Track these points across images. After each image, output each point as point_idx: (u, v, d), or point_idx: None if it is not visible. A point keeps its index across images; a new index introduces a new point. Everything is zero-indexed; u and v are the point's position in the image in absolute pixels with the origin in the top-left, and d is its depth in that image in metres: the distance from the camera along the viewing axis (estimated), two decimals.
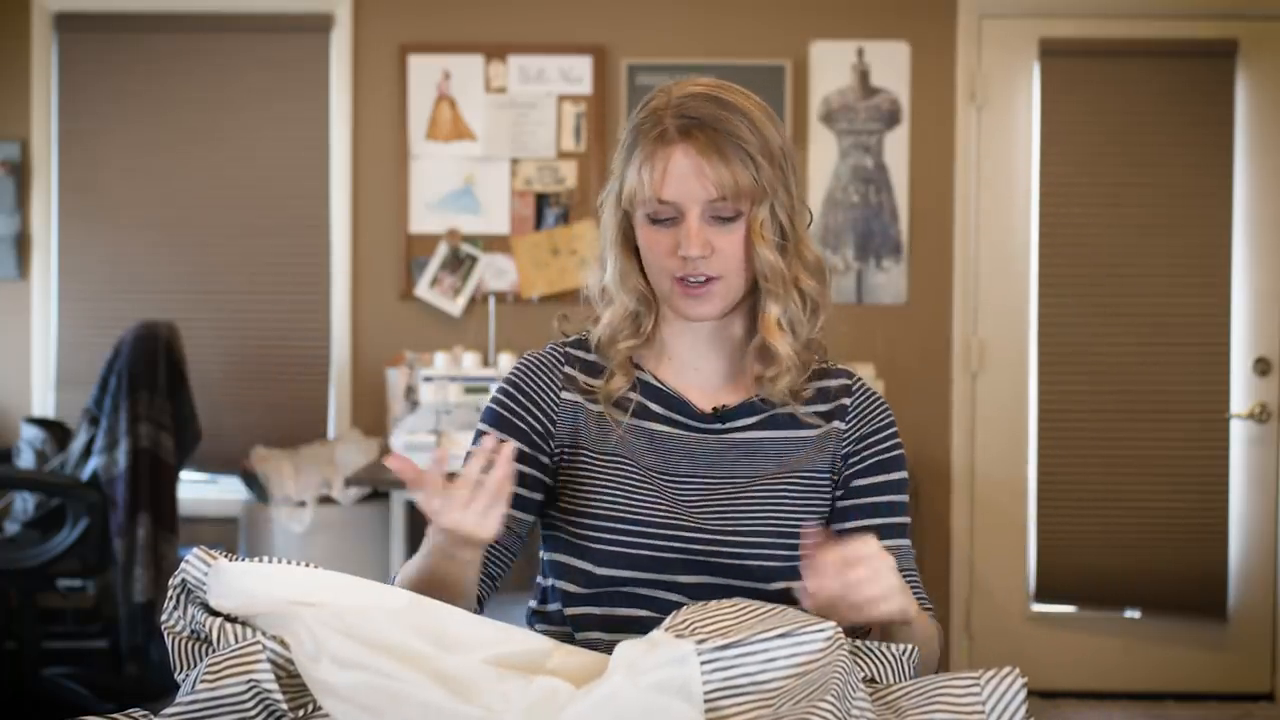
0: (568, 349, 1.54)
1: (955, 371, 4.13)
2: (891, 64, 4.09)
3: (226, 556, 1.23)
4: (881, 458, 1.50)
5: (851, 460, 1.50)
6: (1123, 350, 4.05)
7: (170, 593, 1.24)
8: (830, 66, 4.09)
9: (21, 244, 4.23)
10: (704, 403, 1.50)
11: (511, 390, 1.51)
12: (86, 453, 3.59)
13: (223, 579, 1.20)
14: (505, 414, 1.50)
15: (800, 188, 1.49)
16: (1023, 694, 1.14)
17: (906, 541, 1.50)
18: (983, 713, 1.13)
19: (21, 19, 4.20)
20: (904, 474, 1.52)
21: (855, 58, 4.09)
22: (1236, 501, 4.06)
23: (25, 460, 3.79)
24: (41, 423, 3.89)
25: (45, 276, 4.24)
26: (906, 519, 1.51)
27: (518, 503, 1.46)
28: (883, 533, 1.42)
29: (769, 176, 1.43)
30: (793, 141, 1.52)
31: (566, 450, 1.49)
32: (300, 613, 1.17)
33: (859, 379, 1.55)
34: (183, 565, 1.23)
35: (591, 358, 1.52)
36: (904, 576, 1.38)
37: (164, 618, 1.24)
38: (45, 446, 3.80)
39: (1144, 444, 4.05)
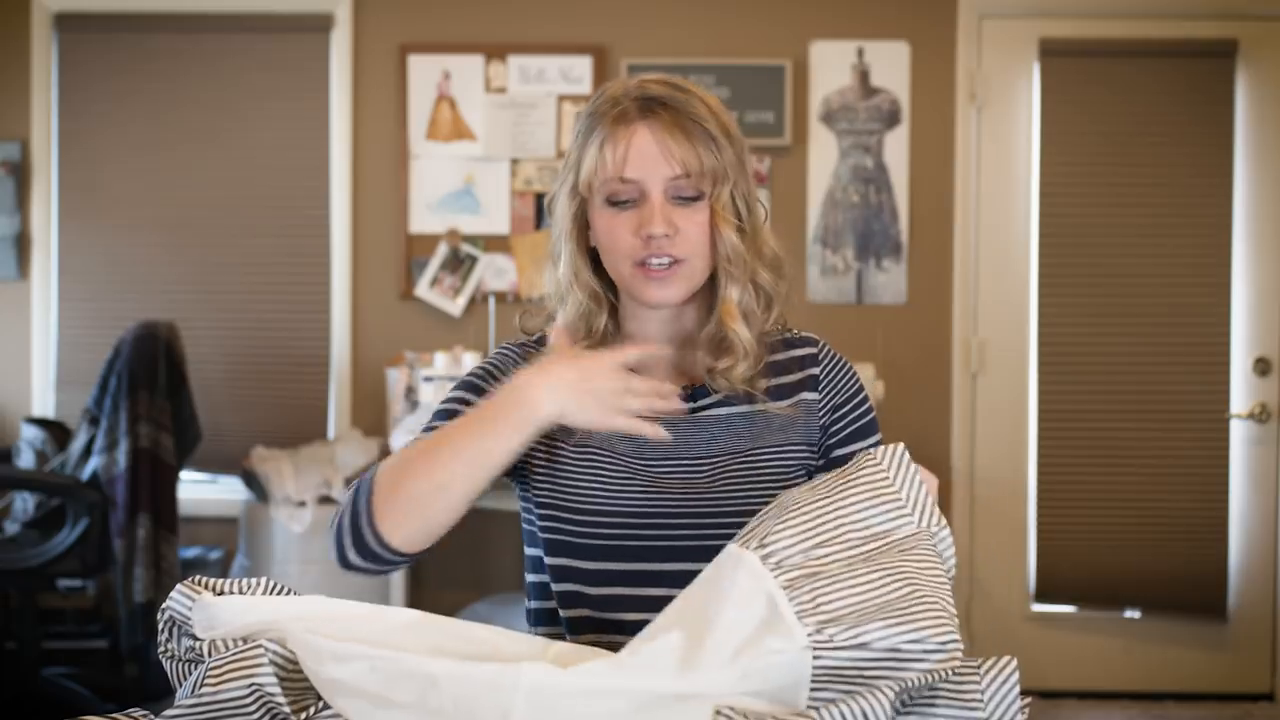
0: (527, 348, 1.54)
1: (955, 371, 4.13)
2: (891, 64, 4.09)
3: (210, 587, 1.22)
4: (858, 424, 1.52)
5: (829, 430, 1.51)
6: (1123, 350, 4.05)
7: (160, 624, 1.23)
8: (830, 66, 4.09)
9: (21, 244, 4.23)
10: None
11: (477, 381, 1.50)
12: (86, 453, 3.58)
13: (208, 613, 1.19)
14: (479, 383, 1.48)
15: (753, 185, 1.49)
16: (1015, 686, 1.15)
17: None
18: (980, 700, 1.13)
19: (21, 19, 4.20)
20: (879, 435, 1.53)
21: (855, 58, 4.09)
22: (1236, 501, 4.06)
23: (25, 460, 3.79)
24: (41, 423, 3.88)
25: (45, 276, 4.24)
26: None
27: None
28: None
29: (730, 158, 1.43)
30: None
31: (539, 442, 1.45)
32: (293, 628, 1.16)
33: (824, 345, 1.55)
34: (168, 600, 1.22)
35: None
36: None
37: (160, 649, 1.24)
38: (45, 446, 3.80)
39: (1144, 444, 4.05)
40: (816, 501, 1.22)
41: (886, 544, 1.19)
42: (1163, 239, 4.05)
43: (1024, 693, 1.17)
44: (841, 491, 1.23)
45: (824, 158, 4.09)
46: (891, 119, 4.09)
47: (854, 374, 1.55)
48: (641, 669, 1.13)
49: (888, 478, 1.23)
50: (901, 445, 1.25)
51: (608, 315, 1.50)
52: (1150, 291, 4.05)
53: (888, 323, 4.09)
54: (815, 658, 1.12)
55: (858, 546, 1.19)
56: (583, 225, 1.48)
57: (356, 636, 1.16)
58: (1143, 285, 4.05)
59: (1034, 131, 4.08)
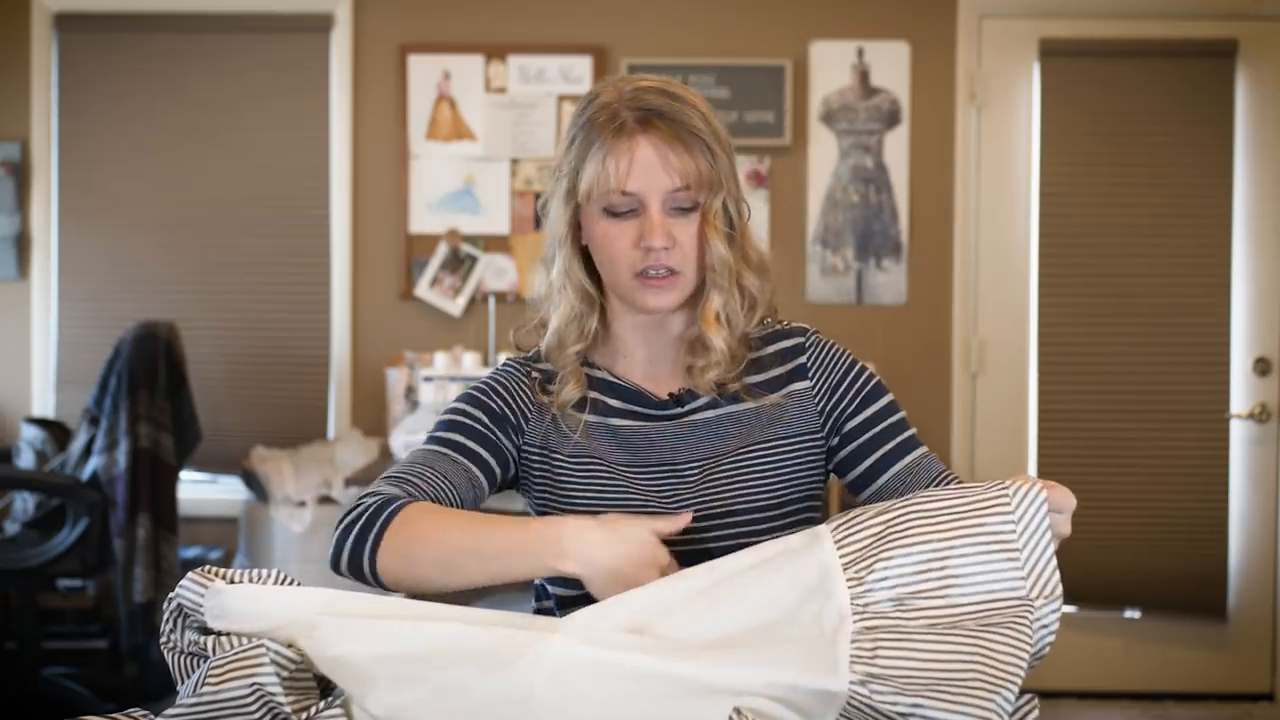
0: (528, 365, 1.56)
1: (955, 371, 4.13)
2: (891, 64, 4.09)
3: (221, 576, 1.22)
4: (863, 392, 1.53)
5: (834, 410, 1.52)
6: (1123, 350, 4.05)
7: (166, 614, 1.23)
8: (830, 66, 4.09)
9: (21, 244, 4.23)
10: (660, 391, 1.52)
11: (489, 385, 1.53)
12: (86, 453, 3.58)
13: (220, 601, 1.19)
14: (481, 396, 1.51)
15: (740, 187, 1.50)
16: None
17: (923, 448, 1.51)
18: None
19: (21, 19, 4.20)
20: (890, 396, 1.54)
21: (855, 58, 4.09)
22: (1236, 501, 4.06)
23: (25, 460, 3.79)
24: (41, 423, 3.88)
25: (45, 276, 4.24)
26: (912, 430, 1.52)
27: (478, 462, 1.47)
28: (898, 452, 1.47)
29: (724, 166, 1.45)
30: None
31: (537, 451, 1.50)
32: (303, 613, 1.16)
33: (811, 333, 1.57)
34: (178, 588, 1.22)
35: (548, 367, 1.54)
36: (943, 477, 1.45)
37: (163, 639, 1.24)
38: (45, 446, 3.80)
39: (1144, 444, 4.05)
40: (936, 535, 1.20)
41: (982, 612, 1.18)
42: (1162, 239, 4.05)
43: (1024, 692, 1.18)
44: (963, 530, 1.20)
45: (824, 158, 4.09)
46: (891, 119, 4.09)
47: (844, 352, 1.56)
48: (674, 650, 1.13)
49: (1014, 530, 1.21)
50: (1039, 491, 1.22)
51: (597, 316, 1.52)
52: (1150, 291, 4.05)
53: (888, 323, 4.09)
54: (848, 701, 1.12)
55: (953, 607, 1.17)
56: (577, 229, 1.50)
57: (374, 616, 1.16)
58: (1142, 285, 4.05)
59: (1034, 131, 4.08)
